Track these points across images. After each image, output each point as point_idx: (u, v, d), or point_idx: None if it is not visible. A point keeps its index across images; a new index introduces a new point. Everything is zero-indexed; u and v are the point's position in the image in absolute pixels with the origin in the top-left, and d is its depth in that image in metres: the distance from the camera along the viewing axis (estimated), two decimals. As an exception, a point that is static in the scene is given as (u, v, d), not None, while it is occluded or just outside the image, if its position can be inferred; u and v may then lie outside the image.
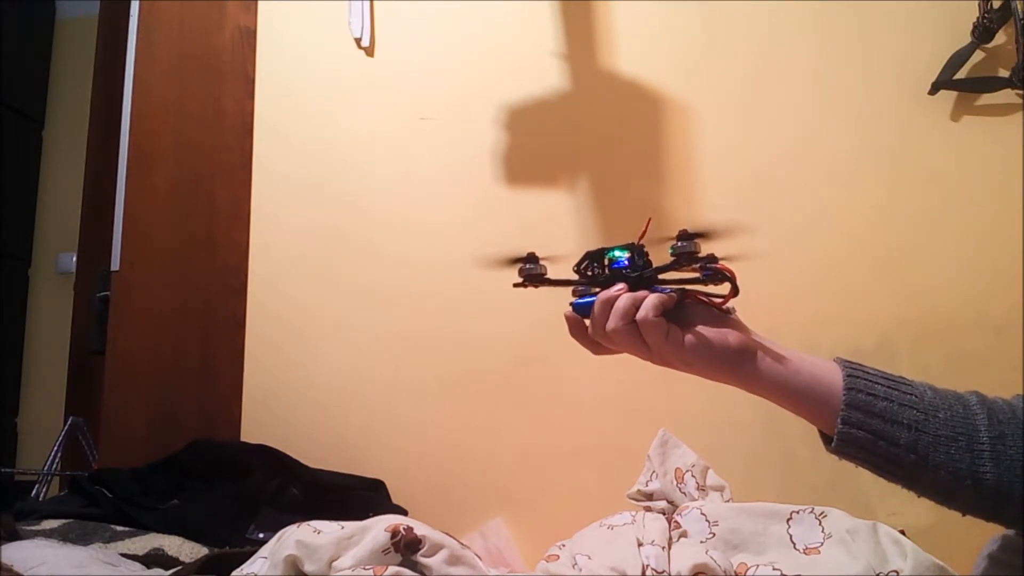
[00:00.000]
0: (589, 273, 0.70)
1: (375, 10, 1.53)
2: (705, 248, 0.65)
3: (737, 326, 0.66)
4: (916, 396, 0.62)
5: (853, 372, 0.64)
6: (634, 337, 0.65)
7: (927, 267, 1.24)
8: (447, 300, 1.41)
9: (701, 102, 1.36)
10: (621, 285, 0.66)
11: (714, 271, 0.65)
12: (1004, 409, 0.62)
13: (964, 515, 0.63)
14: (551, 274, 0.72)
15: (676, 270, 0.66)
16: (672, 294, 0.65)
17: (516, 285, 0.73)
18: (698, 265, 0.65)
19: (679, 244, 0.65)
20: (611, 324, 0.65)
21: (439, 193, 1.44)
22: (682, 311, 0.66)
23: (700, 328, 0.65)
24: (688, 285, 0.67)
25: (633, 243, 0.68)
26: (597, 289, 0.68)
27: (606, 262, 0.68)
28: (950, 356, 1.20)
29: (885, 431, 0.61)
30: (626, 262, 0.67)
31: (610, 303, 0.66)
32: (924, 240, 1.25)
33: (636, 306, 0.65)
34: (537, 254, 0.72)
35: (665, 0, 1.39)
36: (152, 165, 1.53)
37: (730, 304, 0.66)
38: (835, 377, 0.64)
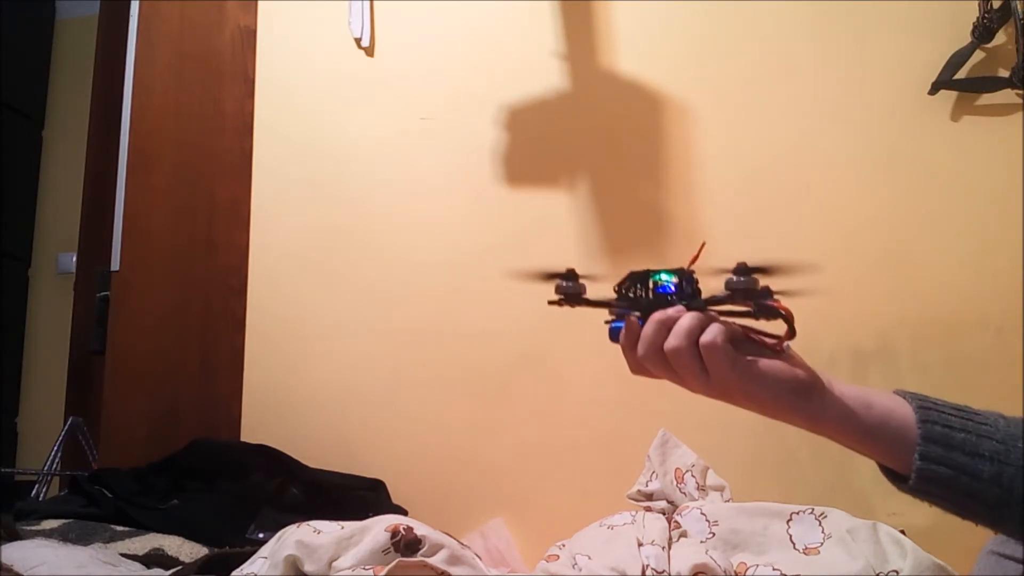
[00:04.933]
0: (631, 296, 0.64)
1: (375, 10, 1.53)
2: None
3: (800, 362, 0.61)
4: (991, 426, 0.58)
5: (924, 404, 0.59)
6: (694, 361, 0.60)
7: (927, 267, 1.24)
8: (447, 300, 1.41)
9: (701, 102, 1.36)
10: (680, 306, 0.61)
11: (767, 308, 0.60)
12: None
13: None
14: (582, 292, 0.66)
15: (729, 303, 0.61)
16: (735, 325, 0.60)
17: (551, 303, 0.68)
18: (756, 304, 0.60)
19: (735, 279, 0.60)
20: (672, 343, 0.60)
21: (439, 193, 1.44)
22: (739, 343, 0.61)
23: (766, 359, 0.60)
24: (738, 319, 0.62)
25: (682, 268, 0.63)
26: (637, 313, 0.63)
27: (651, 285, 0.63)
28: (950, 356, 1.20)
29: (966, 465, 0.56)
30: (672, 288, 0.62)
31: (669, 323, 0.61)
32: (924, 240, 1.25)
33: (702, 328, 0.59)
34: (576, 271, 0.66)
35: (665, 0, 1.39)
36: (152, 165, 1.53)
37: (782, 346, 0.61)
38: (906, 410, 0.59)
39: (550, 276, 0.67)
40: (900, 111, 1.28)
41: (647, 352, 0.61)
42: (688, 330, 0.59)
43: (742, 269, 0.59)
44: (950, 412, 0.59)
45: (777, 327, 0.60)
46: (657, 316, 0.61)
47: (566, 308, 0.67)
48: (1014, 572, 0.67)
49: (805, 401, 0.60)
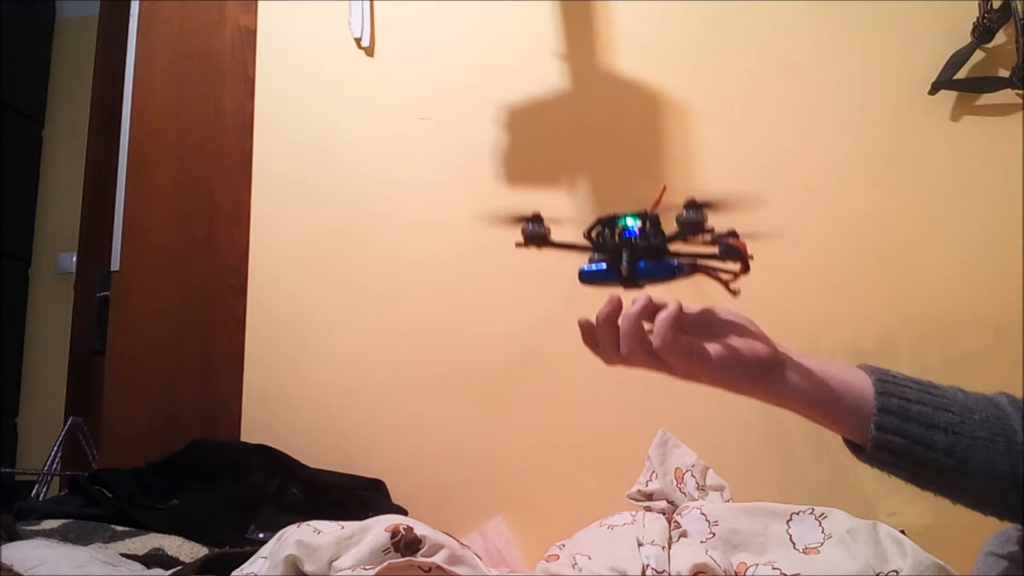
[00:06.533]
0: (600, 240, 0.66)
1: (375, 10, 1.53)
2: (713, 220, 0.62)
3: (760, 337, 0.63)
4: (948, 399, 0.60)
5: (882, 377, 0.61)
6: (653, 359, 0.61)
7: (927, 267, 1.24)
8: (447, 300, 1.41)
9: (701, 102, 1.36)
10: (614, 297, 0.63)
11: (729, 247, 0.62)
12: None
13: (1001, 519, 0.61)
14: (556, 238, 0.68)
15: (685, 240, 0.63)
16: (675, 306, 0.62)
17: (518, 245, 0.69)
18: (711, 239, 0.62)
19: (684, 213, 0.62)
20: (625, 348, 0.61)
21: (439, 193, 1.44)
22: (702, 323, 0.63)
23: (725, 339, 0.61)
24: (701, 260, 0.64)
25: (646, 211, 0.65)
26: (607, 256, 0.65)
27: (617, 229, 0.65)
28: (950, 356, 1.20)
29: (921, 435, 0.58)
30: (636, 231, 0.64)
31: (612, 321, 0.62)
32: (924, 240, 1.25)
33: (643, 321, 0.60)
34: (542, 214, 0.68)
35: (665, 0, 1.39)
36: (152, 165, 1.53)
37: (736, 284, 0.63)
38: (865, 383, 0.61)
39: (517, 220, 0.68)
40: (900, 111, 1.28)
41: (608, 355, 0.64)
42: (632, 331, 0.61)
43: (691, 204, 0.62)
44: (907, 384, 0.61)
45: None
46: (600, 319, 0.63)
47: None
48: (1012, 573, 0.67)
49: (765, 378, 0.61)
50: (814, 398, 0.61)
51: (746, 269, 0.62)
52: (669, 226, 0.64)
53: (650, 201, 0.66)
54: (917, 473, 0.60)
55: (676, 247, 0.64)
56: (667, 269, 0.63)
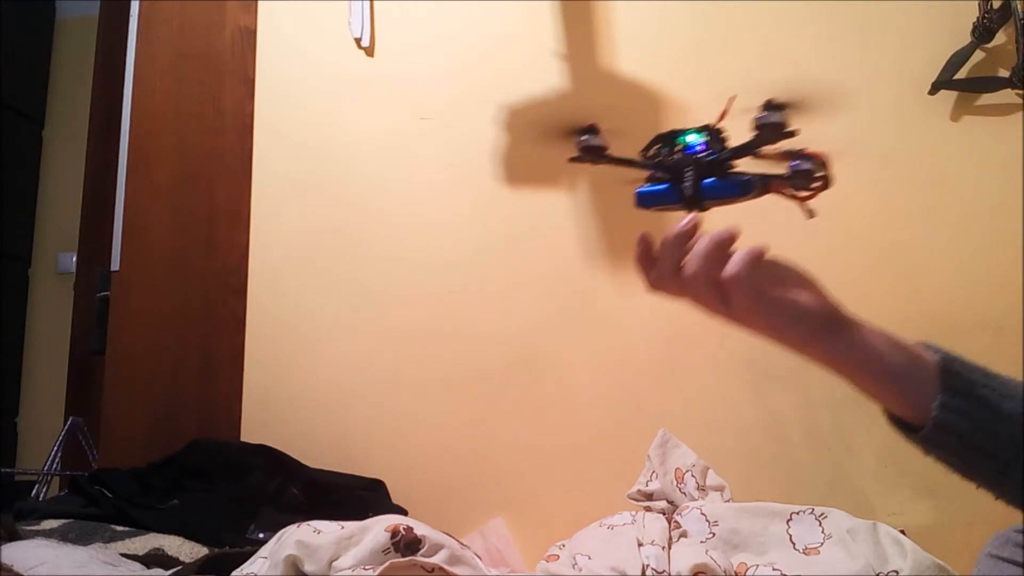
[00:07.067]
0: (659, 159, 0.59)
1: (375, 10, 1.53)
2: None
3: (827, 294, 0.58)
4: (1012, 387, 0.57)
5: (949, 356, 0.57)
6: (715, 291, 0.55)
7: (927, 267, 1.24)
8: (447, 300, 1.41)
9: (701, 102, 1.35)
10: (692, 215, 0.55)
11: (809, 159, 0.54)
12: None
13: None
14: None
15: (756, 155, 0.56)
16: (762, 247, 0.55)
17: (572, 160, 0.63)
18: (784, 153, 0.55)
19: (764, 115, 0.54)
20: (691, 268, 0.55)
21: (439, 193, 1.44)
22: (768, 272, 0.56)
23: (794, 289, 0.56)
24: (772, 181, 0.57)
25: (709, 125, 0.58)
26: (668, 176, 0.58)
27: (677, 148, 0.59)
28: (950, 356, 1.20)
29: (985, 421, 0.54)
30: (703, 146, 0.58)
31: (683, 239, 0.56)
32: (924, 240, 1.25)
33: (721, 249, 0.55)
34: (599, 126, 0.61)
35: (665, 0, 1.39)
36: (152, 165, 1.53)
37: (813, 204, 0.56)
38: (929, 358, 0.57)
39: (573, 132, 0.62)
40: (900, 111, 1.27)
41: (660, 278, 0.58)
42: (706, 252, 0.55)
43: (771, 104, 0.54)
44: (973, 367, 0.57)
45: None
46: (672, 234, 0.56)
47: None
48: (1011, 575, 0.67)
49: (831, 337, 0.57)
50: (877, 366, 0.56)
51: (827, 184, 0.55)
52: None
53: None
54: (970, 461, 0.55)
55: (744, 165, 0.56)
56: (737, 186, 0.56)
